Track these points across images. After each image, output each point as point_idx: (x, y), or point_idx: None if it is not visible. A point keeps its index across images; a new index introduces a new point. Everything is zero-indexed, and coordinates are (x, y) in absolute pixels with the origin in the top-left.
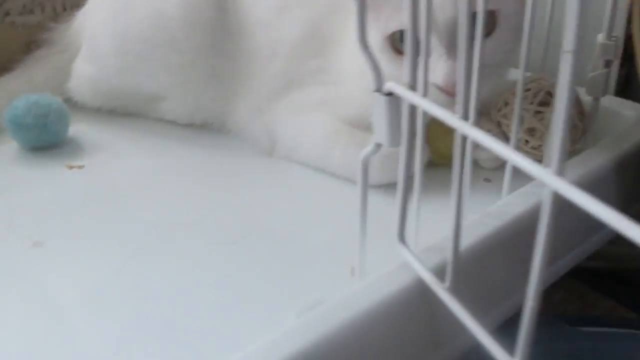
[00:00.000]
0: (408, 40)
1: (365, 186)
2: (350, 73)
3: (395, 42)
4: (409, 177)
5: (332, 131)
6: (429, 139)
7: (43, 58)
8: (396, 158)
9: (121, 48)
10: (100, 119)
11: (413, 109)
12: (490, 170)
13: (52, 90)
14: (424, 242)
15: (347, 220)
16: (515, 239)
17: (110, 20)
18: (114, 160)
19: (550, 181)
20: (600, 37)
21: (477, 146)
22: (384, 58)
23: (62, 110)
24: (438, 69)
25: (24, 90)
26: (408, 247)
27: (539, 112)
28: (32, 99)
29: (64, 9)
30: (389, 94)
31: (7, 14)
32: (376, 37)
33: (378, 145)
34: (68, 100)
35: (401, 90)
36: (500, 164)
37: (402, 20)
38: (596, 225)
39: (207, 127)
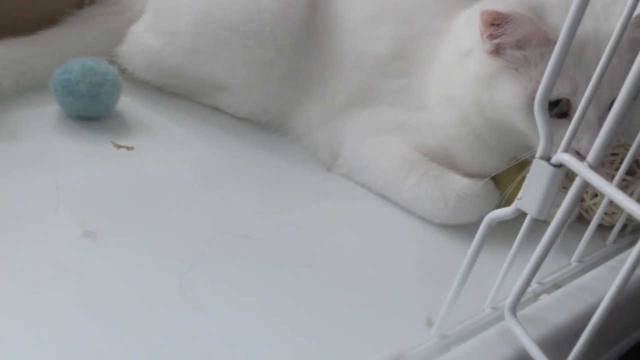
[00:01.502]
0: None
1: (480, 246)
2: (437, 101)
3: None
4: None
5: (408, 160)
6: (499, 185)
7: (96, 16)
8: (483, 198)
9: (201, 30)
10: (149, 94)
11: (584, 185)
12: None
13: (102, 52)
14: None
15: (421, 259)
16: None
17: None
18: (164, 145)
19: None
20: None
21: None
22: (522, 117)
23: (117, 82)
24: (585, 139)
25: (73, 49)
26: (519, 322)
27: (623, 179)
28: (88, 64)
29: None
30: (559, 165)
31: None
32: (520, 97)
33: (518, 211)
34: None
35: (579, 166)
36: None
37: (570, 88)
38: None
39: (261, 124)
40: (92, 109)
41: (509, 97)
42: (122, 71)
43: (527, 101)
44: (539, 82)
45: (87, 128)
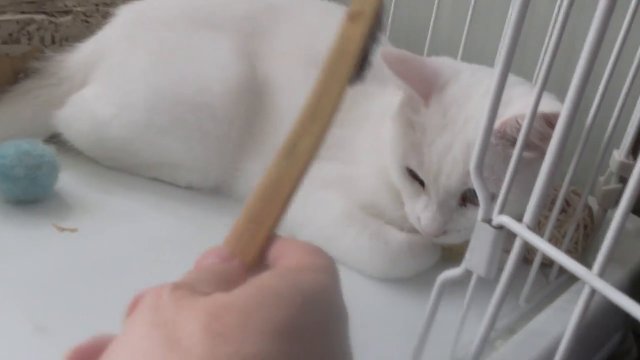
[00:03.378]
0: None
1: (436, 306)
2: (367, 154)
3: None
4: None
5: (346, 215)
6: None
7: (32, 90)
8: (421, 252)
9: (156, 104)
10: (87, 169)
11: (524, 245)
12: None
13: (40, 128)
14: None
15: (359, 315)
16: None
17: (148, 70)
18: (108, 223)
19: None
20: (617, 155)
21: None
22: (399, 180)
23: (55, 162)
24: (423, 216)
25: (9, 127)
26: None
27: (557, 219)
28: (23, 147)
29: (53, 42)
30: (500, 227)
31: None
32: (397, 155)
33: (468, 272)
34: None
35: (518, 228)
36: None
37: (417, 163)
38: None
39: (206, 189)
40: (30, 193)
41: (392, 151)
42: (59, 147)
43: (399, 161)
44: (413, 144)
45: (26, 212)
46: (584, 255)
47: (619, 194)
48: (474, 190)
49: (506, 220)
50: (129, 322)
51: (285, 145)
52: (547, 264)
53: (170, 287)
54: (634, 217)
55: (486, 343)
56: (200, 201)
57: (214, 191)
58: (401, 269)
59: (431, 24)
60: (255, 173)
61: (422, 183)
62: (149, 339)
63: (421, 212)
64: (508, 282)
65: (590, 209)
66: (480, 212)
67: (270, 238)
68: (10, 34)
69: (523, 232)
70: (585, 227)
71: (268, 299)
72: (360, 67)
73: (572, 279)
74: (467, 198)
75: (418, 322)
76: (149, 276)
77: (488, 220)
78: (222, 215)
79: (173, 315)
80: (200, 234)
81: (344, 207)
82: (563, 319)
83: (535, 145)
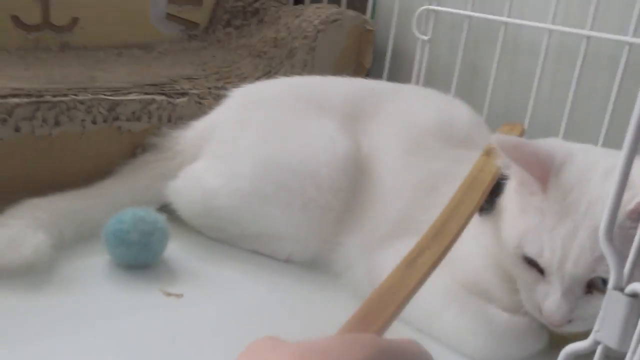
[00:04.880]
0: None
1: None
2: (473, 232)
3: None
4: None
5: (448, 291)
6: None
7: (149, 163)
8: (527, 335)
9: (262, 173)
10: (194, 240)
11: None
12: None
13: (154, 199)
14: None
15: None
16: None
17: (257, 143)
18: (212, 291)
19: None
20: None
21: None
22: (515, 268)
23: (166, 229)
24: (547, 303)
25: (127, 197)
26: None
27: None
28: (139, 214)
29: (169, 120)
30: (634, 295)
31: (117, 118)
32: (512, 240)
33: (597, 343)
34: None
35: None
36: None
37: (537, 250)
38: None
39: (305, 263)
40: (142, 258)
41: (504, 237)
42: (169, 217)
43: (516, 247)
44: (528, 231)
45: (136, 277)
46: None
47: None
48: (601, 278)
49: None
50: None
51: (408, 255)
52: None
53: (267, 336)
54: None
55: None
56: (298, 275)
57: (311, 265)
58: (507, 351)
59: (529, 106)
60: (351, 249)
61: (539, 270)
62: None
63: (542, 300)
64: None
65: None
66: (611, 280)
67: None
68: (134, 113)
69: None
70: None
71: (350, 344)
72: (491, 198)
73: None
74: (594, 285)
75: None
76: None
77: (620, 289)
78: (318, 288)
79: (267, 354)
80: (296, 307)
81: (447, 284)
82: None
83: None
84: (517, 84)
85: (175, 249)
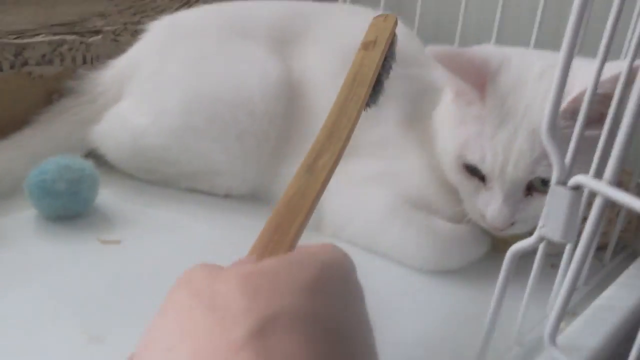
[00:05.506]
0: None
1: (507, 282)
2: (412, 148)
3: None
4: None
5: (390, 208)
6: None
7: (68, 109)
8: (470, 242)
9: (191, 107)
10: (125, 184)
11: (605, 203)
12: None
13: (77, 145)
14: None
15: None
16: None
17: (183, 76)
18: (151, 234)
19: None
20: None
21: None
22: (457, 178)
23: (95, 176)
24: (489, 209)
25: (48, 147)
26: (560, 351)
27: None
28: (63, 162)
29: (84, 61)
30: (576, 188)
31: (25, 63)
32: (453, 152)
33: (541, 239)
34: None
35: (599, 185)
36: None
37: (479, 157)
38: None
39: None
40: (73, 207)
41: (445, 148)
42: (97, 163)
43: (456, 157)
44: (469, 140)
45: (70, 228)
46: (638, 235)
47: None
48: (540, 179)
49: (584, 179)
50: (165, 301)
51: (305, 161)
52: (602, 246)
53: (199, 264)
54: None
55: (564, 313)
56: (238, 208)
57: (251, 198)
58: (451, 259)
59: (461, 14)
60: (290, 176)
61: (480, 178)
62: (189, 307)
63: (485, 207)
64: (589, 244)
65: None
66: (554, 176)
67: (294, 247)
68: (43, 56)
69: (605, 189)
70: None
71: (292, 265)
72: (375, 92)
73: (627, 259)
74: (533, 187)
75: (473, 311)
76: None
77: (563, 182)
78: (261, 220)
79: (206, 284)
80: (240, 241)
81: (387, 201)
82: (630, 293)
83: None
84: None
85: (108, 196)
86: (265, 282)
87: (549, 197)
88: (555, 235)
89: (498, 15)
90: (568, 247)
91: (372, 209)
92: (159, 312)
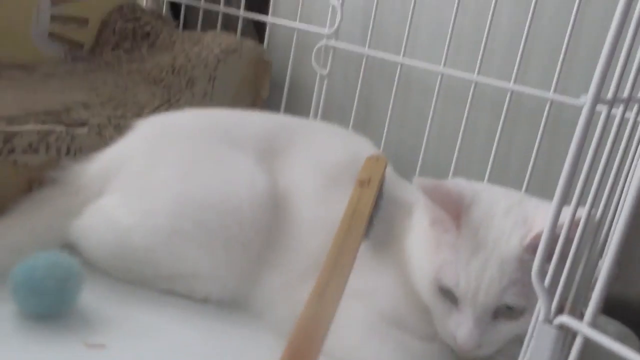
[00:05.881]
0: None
1: None
2: (387, 267)
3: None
4: None
5: (368, 325)
6: None
7: (49, 199)
8: None
9: (180, 210)
10: (106, 281)
11: (584, 342)
12: None
13: (55, 237)
14: None
15: None
16: None
17: (173, 179)
18: (134, 337)
19: None
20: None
21: None
22: (431, 299)
23: (81, 274)
24: (459, 332)
25: (23, 237)
26: None
27: None
28: (52, 258)
29: (68, 152)
30: (559, 327)
31: (12, 151)
32: (429, 274)
33: None
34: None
35: (580, 326)
36: None
37: (454, 282)
38: None
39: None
40: (57, 307)
41: (421, 270)
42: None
43: (432, 280)
44: (444, 265)
45: (51, 328)
46: None
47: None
48: (506, 306)
49: (567, 320)
50: None
51: (316, 288)
52: None
53: None
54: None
55: None
56: (217, 314)
57: (229, 304)
58: None
59: (422, 147)
60: (272, 286)
61: (452, 300)
62: None
63: (455, 328)
64: None
65: None
66: (541, 313)
67: None
68: (30, 144)
69: (585, 330)
70: None
71: None
72: (366, 226)
73: None
74: (499, 312)
75: None
76: None
77: (549, 321)
78: (241, 327)
79: None
80: (223, 346)
81: (366, 317)
82: None
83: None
84: (410, 121)
85: (87, 294)
86: None
87: (535, 334)
88: None
89: (457, 146)
90: None
91: (350, 323)
92: None
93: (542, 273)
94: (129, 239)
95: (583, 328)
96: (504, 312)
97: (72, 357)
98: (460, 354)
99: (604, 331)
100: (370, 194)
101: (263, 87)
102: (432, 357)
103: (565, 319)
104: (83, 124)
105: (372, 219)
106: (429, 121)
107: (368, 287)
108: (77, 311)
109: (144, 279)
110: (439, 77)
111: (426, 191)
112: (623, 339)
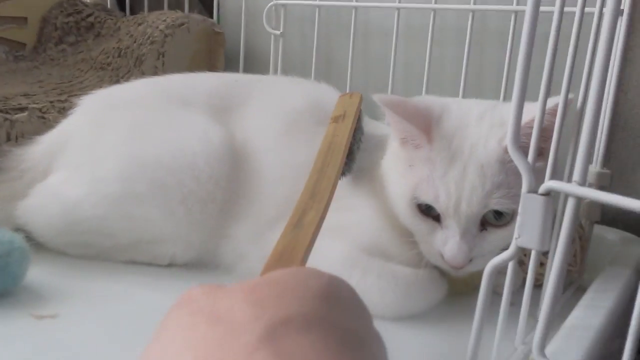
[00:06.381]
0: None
1: (489, 298)
2: (362, 198)
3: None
4: None
5: (347, 258)
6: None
7: None
8: (431, 284)
9: (131, 173)
10: (60, 259)
11: (578, 204)
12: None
13: (3, 222)
14: None
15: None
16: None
17: (121, 143)
18: (88, 308)
19: None
20: (593, 167)
21: (499, 272)
22: (411, 220)
23: (25, 250)
24: (448, 246)
25: None
26: None
27: None
28: None
29: (8, 139)
30: (547, 193)
31: None
32: (405, 195)
33: (520, 250)
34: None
35: (569, 187)
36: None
37: (433, 197)
38: None
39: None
40: (1, 283)
41: (397, 193)
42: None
43: (409, 200)
44: (421, 181)
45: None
46: (582, 269)
47: (601, 205)
48: (493, 212)
49: (555, 184)
50: (161, 325)
51: (291, 219)
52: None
53: (197, 285)
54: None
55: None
56: (181, 275)
57: (197, 266)
58: (414, 304)
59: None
60: (241, 238)
61: (435, 217)
62: (192, 324)
63: (442, 246)
64: (565, 250)
65: (581, 223)
66: (524, 185)
67: None
68: None
69: (577, 189)
70: (580, 238)
71: (300, 275)
72: (348, 161)
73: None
74: (486, 222)
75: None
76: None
77: (534, 191)
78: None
79: (208, 301)
80: None
81: (343, 252)
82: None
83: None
84: (373, 67)
85: (38, 273)
86: (273, 291)
87: (521, 208)
88: (532, 244)
89: (424, 84)
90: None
91: (328, 262)
92: (154, 339)
93: (518, 141)
94: (79, 211)
95: (573, 188)
96: (493, 221)
97: (21, 329)
98: (452, 275)
99: (604, 238)
100: (345, 127)
101: (217, 58)
102: (420, 281)
103: (552, 183)
104: (23, 109)
105: (353, 153)
106: (392, 62)
107: (346, 222)
108: (25, 289)
109: (101, 252)
110: (396, 12)
111: (390, 106)
112: (627, 243)
